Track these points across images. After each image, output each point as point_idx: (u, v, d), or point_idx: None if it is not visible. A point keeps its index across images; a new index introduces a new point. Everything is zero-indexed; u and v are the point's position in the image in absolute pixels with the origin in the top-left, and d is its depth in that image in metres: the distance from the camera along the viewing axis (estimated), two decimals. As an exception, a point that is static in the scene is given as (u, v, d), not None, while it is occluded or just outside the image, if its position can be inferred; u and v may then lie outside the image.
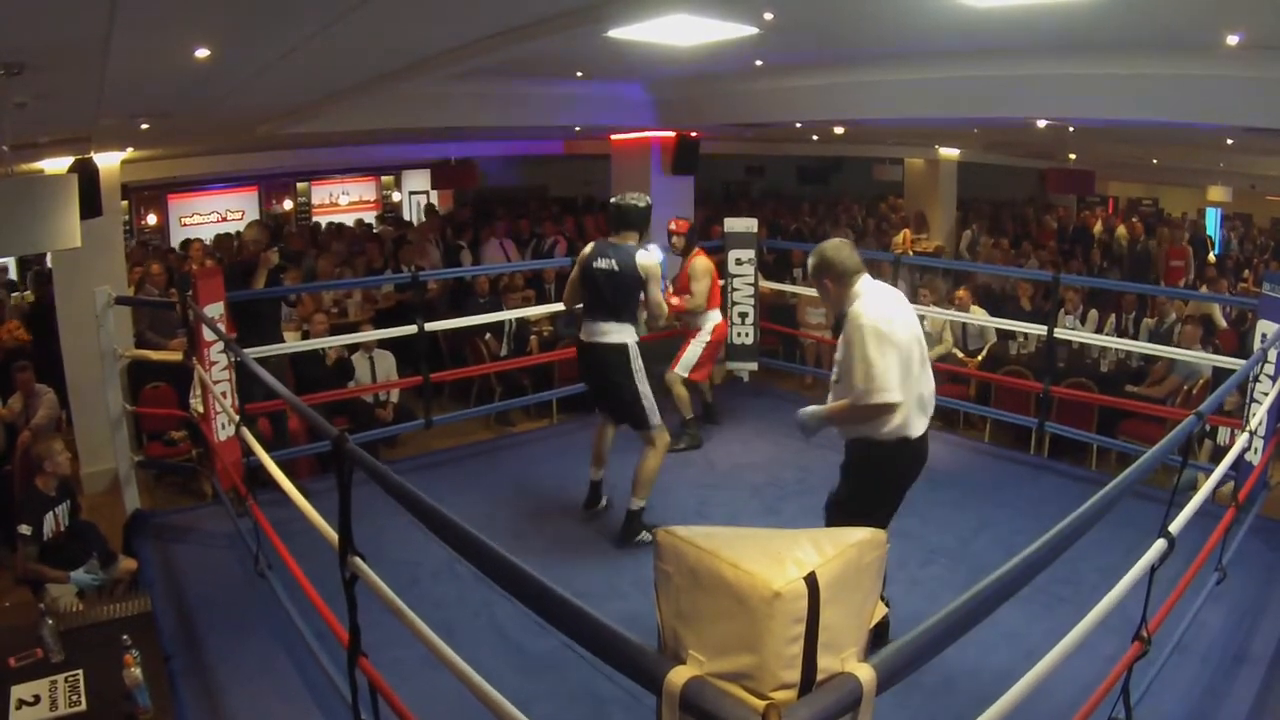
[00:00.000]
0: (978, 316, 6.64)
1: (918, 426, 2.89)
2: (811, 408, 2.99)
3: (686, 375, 5.37)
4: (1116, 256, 11.48)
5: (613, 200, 4.11)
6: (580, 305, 4.12)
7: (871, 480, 2.96)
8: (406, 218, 13.62)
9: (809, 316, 7.84)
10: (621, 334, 3.96)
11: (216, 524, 4.43)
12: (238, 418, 3.82)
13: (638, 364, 3.99)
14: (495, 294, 7.49)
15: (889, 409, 2.76)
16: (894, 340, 2.75)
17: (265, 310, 5.17)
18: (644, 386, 4.00)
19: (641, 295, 3.98)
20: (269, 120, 6.22)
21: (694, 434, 5.40)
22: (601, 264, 3.93)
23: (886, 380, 2.73)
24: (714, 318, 5.45)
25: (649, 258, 3.92)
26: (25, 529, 3.79)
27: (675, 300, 5.15)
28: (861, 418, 2.83)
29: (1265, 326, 4.22)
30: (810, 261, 2.95)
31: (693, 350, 5.39)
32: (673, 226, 5.44)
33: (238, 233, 11.52)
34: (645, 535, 4.07)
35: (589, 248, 4.06)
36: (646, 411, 4.01)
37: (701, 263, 5.38)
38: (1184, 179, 12.90)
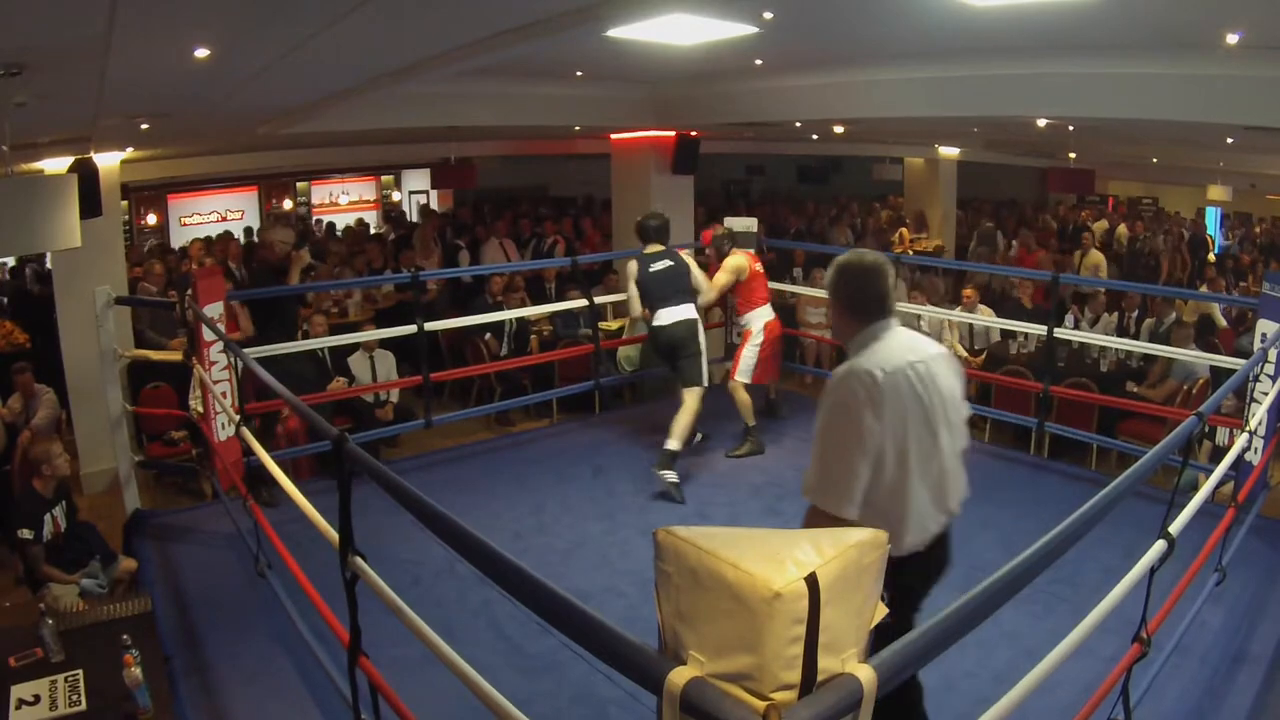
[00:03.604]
0: (982, 316, 6.64)
1: (911, 542, 2.19)
2: None
3: (748, 380, 5.44)
4: (1115, 255, 11.49)
5: (638, 220, 5.12)
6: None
7: None
8: (407, 216, 13.62)
9: (809, 316, 7.84)
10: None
11: (216, 524, 4.44)
12: (238, 417, 3.82)
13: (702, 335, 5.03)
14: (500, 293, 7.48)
15: (838, 520, 2.04)
16: (875, 425, 2.04)
17: (288, 308, 5.36)
18: (703, 353, 4.99)
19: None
20: (269, 120, 6.21)
21: (755, 440, 5.45)
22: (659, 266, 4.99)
23: (844, 485, 2.06)
24: (763, 316, 5.51)
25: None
26: (26, 533, 3.79)
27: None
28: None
29: (1265, 326, 4.23)
30: (828, 273, 2.30)
31: (747, 354, 5.46)
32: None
33: (250, 230, 11.58)
34: (670, 474, 4.69)
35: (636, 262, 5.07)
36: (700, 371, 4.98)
37: (731, 259, 5.43)
38: (1184, 178, 12.90)
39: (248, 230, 11.73)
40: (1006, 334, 6.76)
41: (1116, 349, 6.22)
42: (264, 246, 6.00)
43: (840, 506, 2.07)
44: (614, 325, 7.09)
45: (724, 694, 1.12)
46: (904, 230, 11.50)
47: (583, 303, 6.19)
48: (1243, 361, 4.03)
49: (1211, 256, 12.08)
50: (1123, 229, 12.99)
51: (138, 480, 4.91)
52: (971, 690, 2.91)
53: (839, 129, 9.05)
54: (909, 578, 2.20)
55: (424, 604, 3.13)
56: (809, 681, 1.18)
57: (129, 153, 6.71)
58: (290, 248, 5.39)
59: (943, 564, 2.31)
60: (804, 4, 3.92)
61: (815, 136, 11.06)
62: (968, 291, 6.85)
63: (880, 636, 1.36)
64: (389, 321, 6.69)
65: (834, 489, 2.08)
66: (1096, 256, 9.28)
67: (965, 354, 6.89)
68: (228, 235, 10.38)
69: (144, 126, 5.32)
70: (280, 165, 11.44)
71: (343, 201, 13.95)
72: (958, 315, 6.62)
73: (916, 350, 2.19)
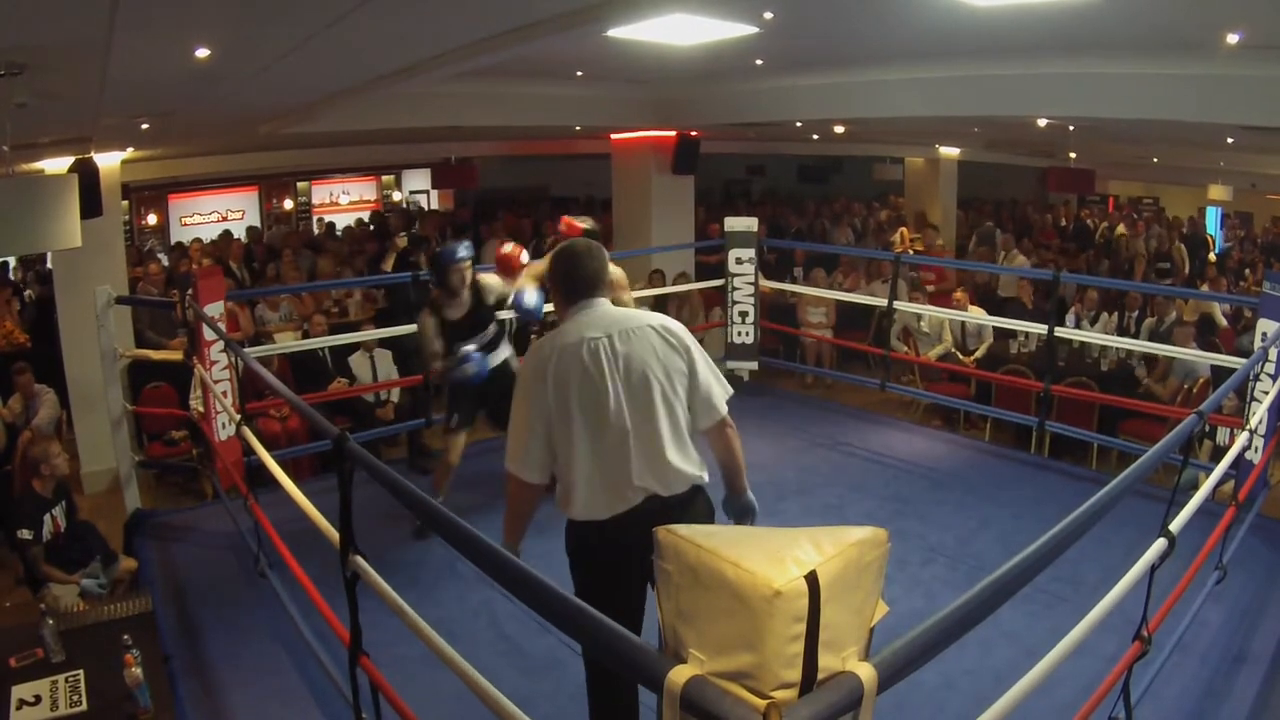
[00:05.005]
0: (977, 315, 6.65)
1: (584, 510, 2.26)
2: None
3: None
4: (1111, 254, 11.49)
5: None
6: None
7: (574, 573, 2.40)
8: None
9: (809, 316, 7.84)
10: None
11: (217, 524, 4.43)
12: (238, 417, 3.82)
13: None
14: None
15: (522, 487, 2.29)
16: (542, 396, 2.17)
17: (409, 291, 5.52)
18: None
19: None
20: (269, 120, 6.22)
21: None
22: None
23: (520, 451, 2.23)
24: None
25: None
26: (26, 534, 3.79)
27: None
28: (511, 499, 2.38)
29: (1265, 325, 4.22)
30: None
31: None
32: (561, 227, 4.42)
33: (251, 230, 11.59)
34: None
35: None
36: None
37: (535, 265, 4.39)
38: (1184, 178, 12.91)
39: (250, 230, 11.75)
40: (1006, 333, 6.76)
41: (1117, 349, 6.22)
42: None
43: (521, 470, 2.26)
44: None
45: (724, 692, 1.12)
46: (904, 230, 11.50)
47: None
48: (1243, 360, 4.02)
49: (1212, 256, 12.07)
50: (1121, 229, 12.98)
51: (138, 480, 4.91)
52: (971, 689, 2.91)
53: (840, 129, 9.06)
54: (604, 550, 2.28)
55: (424, 603, 3.13)
56: (809, 680, 1.18)
57: (129, 153, 6.72)
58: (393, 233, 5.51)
59: (631, 548, 2.04)
60: (804, 4, 3.93)
61: (816, 136, 11.07)
62: (958, 294, 6.88)
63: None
64: (389, 321, 6.69)
65: (514, 455, 2.25)
66: (1019, 260, 9.30)
67: (962, 356, 6.89)
68: (228, 235, 10.40)
69: (144, 126, 5.33)
70: (280, 165, 11.45)
71: (343, 201, 13.96)
72: (953, 314, 6.63)
73: (609, 326, 2.21)
